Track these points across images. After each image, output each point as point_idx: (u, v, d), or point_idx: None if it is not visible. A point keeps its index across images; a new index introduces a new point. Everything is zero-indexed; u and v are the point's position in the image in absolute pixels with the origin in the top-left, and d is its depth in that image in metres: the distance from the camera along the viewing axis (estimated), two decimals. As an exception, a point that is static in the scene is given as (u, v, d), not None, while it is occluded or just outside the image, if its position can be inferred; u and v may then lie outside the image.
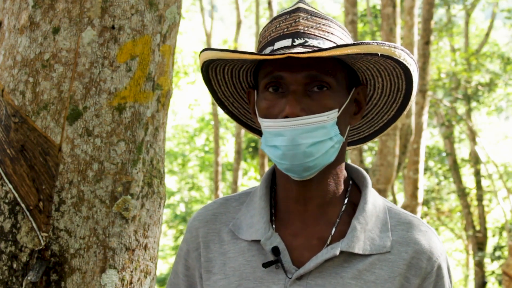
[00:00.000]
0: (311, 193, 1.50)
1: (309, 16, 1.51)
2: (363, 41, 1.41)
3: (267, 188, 1.57)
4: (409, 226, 1.52)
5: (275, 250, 1.47)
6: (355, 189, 1.57)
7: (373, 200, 1.53)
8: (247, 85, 1.61)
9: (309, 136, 1.42)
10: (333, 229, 1.50)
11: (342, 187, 1.54)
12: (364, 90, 1.55)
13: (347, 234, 1.48)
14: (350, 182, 1.57)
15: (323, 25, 1.51)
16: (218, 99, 1.64)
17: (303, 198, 1.51)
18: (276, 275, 1.48)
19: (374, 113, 1.63)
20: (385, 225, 1.51)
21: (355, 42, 1.40)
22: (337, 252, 1.45)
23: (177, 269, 1.64)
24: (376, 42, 1.42)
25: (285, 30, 1.49)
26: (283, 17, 1.52)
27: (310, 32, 1.48)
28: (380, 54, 1.43)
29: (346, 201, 1.53)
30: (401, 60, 1.47)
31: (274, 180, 1.60)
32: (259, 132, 1.69)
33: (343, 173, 1.55)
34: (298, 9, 1.51)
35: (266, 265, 1.47)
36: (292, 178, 1.48)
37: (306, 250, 1.49)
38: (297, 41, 1.47)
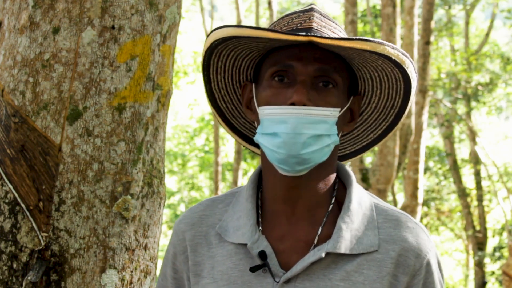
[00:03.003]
0: (299, 193, 1.49)
1: (322, 17, 1.52)
2: (383, 41, 1.42)
3: (254, 189, 1.55)
4: (396, 223, 1.50)
5: (262, 254, 1.46)
6: (341, 187, 1.56)
7: (358, 198, 1.52)
8: (245, 78, 1.60)
9: (312, 127, 1.42)
10: (320, 230, 1.49)
11: (330, 187, 1.52)
12: (360, 101, 1.56)
13: (333, 235, 1.46)
14: (337, 180, 1.56)
15: (334, 28, 1.52)
16: (210, 90, 1.62)
17: (290, 198, 1.49)
18: (264, 278, 1.46)
19: (361, 129, 1.63)
20: (372, 223, 1.50)
21: (376, 40, 1.41)
22: (323, 254, 1.44)
23: (165, 272, 1.63)
24: (392, 46, 1.43)
25: (299, 25, 1.50)
26: (296, 14, 1.53)
27: (323, 31, 1.49)
28: (393, 60, 1.44)
29: (333, 200, 1.52)
30: (408, 72, 1.48)
31: (260, 181, 1.58)
32: (240, 134, 1.67)
33: (333, 177, 1.53)
34: (311, 9, 1.53)
35: (253, 269, 1.46)
36: (282, 174, 1.46)
37: (293, 252, 1.48)
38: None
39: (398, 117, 1.58)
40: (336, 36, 1.50)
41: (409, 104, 1.55)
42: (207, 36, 1.53)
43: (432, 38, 12.79)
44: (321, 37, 1.41)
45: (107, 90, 1.89)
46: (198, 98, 22.96)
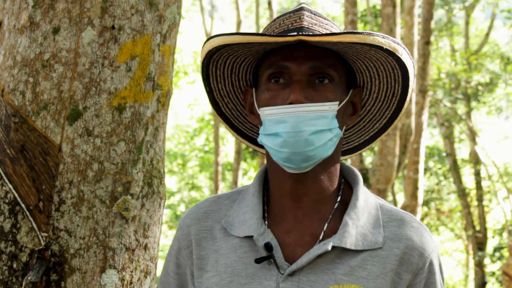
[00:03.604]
0: (306, 188, 1.50)
1: (313, 15, 1.54)
2: (372, 32, 1.43)
3: (260, 185, 1.58)
4: (401, 223, 1.52)
5: (268, 246, 1.47)
6: (347, 187, 1.58)
7: (364, 197, 1.54)
8: (245, 83, 1.62)
9: (311, 124, 1.44)
10: (326, 225, 1.51)
11: (335, 184, 1.55)
12: (360, 93, 1.57)
13: (339, 230, 1.48)
14: (343, 180, 1.58)
15: (326, 24, 1.54)
16: (213, 99, 1.65)
17: (297, 194, 1.51)
18: (268, 271, 1.48)
19: (366, 120, 1.64)
20: (377, 221, 1.52)
21: (365, 31, 1.42)
22: (329, 248, 1.46)
23: (168, 268, 1.65)
24: (382, 35, 1.44)
25: (290, 25, 1.51)
26: (286, 15, 1.54)
27: (314, 29, 1.51)
28: (385, 49, 1.45)
29: (339, 198, 1.54)
30: (402, 59, 1.49)
31: (267, 179, 1.60)
32: (249, 138, 1.69)
33: (337, 172, 1.55)
34: (301, 8, 1.54)
35: (258, 260, 1.47)
36: (288, 171, 1.48)
37: (299, 246, 1.50)
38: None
39: (401, 104, 1.59)
40: (326, 32, 1.51)
41: (410, 90, 1.57)
42: (201, 48, 1.56)
43: (432, 38, 12.79)
44: (309, 35, 1.42)
45: (107, 90, 1.89)
46: (198, 98, 22.96)
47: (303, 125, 1.43)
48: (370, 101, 1.61)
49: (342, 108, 1.50)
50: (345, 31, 1.42)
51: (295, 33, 1.47)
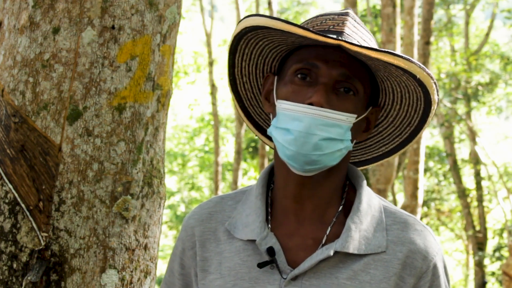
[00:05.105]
0: (309, 192, 1.50)
1: (356, 24, 1.52)
2: (411, 59, 1.41)
3: (264, 187, 1.57)
4: (404, 226, 1.51)
5: (270, 251, 1.47)
6: (351, 188, 1.57)
7: (368, 200, 1.53)
8: (269, 69, 1.60)
9: (325, 130, 1.43)
10: (329, 229, 1.50)
11: (339, 188, 1.54)
12: (377, 113, 1.55)
13: (342, 235, 1.48)
14: (347, 182, 1.57)
15: (365, 36, 1.52)
16: (232, 74, 1.62)
17: (300, 196, 1.50)
18: (271, 275, 1.48)
19: (374, 141, 1.63)
20: (380, 224, 1.51)
21: (405, 56, 1.40)
22: (331, 253, 1.45)
23: (172, 268, 1.64)
24: (419, 64, 1.42)
25: (331, 27, 1.50)
26: (330, 16, 1.53)
27: (353, 37, 1.49)
28: (417, 78, 1.43)
29: (342, 202, 1.53)
30: (430, 93, 1.47)
31: (271, 179, 1.59)
32: (255, 124, 1.68)
33: (343, 178, 1.55)
34: (347, 14, 1.52)
35: (261, 265, 1.47)
36: (292, 171, 1.48)
37: (301, 250, 1.49)
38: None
39: (413, 135, 1.58)
40: (366, 44, 1.50)
41: (426, 126, 1.55)
42: (239, 21, 1.53)
43: (432, 38, 12.78)
44: (351, 43, 1.40)
45: (107, 90, 1.89)
46: (198, 98, 22.96)
47: (316, 129, 1.42)
48: (384, 124, 1.60)
49: (358, 123, 1.49)
50: (385, 50, 1.40)
51: (335, 36, 1.44)
